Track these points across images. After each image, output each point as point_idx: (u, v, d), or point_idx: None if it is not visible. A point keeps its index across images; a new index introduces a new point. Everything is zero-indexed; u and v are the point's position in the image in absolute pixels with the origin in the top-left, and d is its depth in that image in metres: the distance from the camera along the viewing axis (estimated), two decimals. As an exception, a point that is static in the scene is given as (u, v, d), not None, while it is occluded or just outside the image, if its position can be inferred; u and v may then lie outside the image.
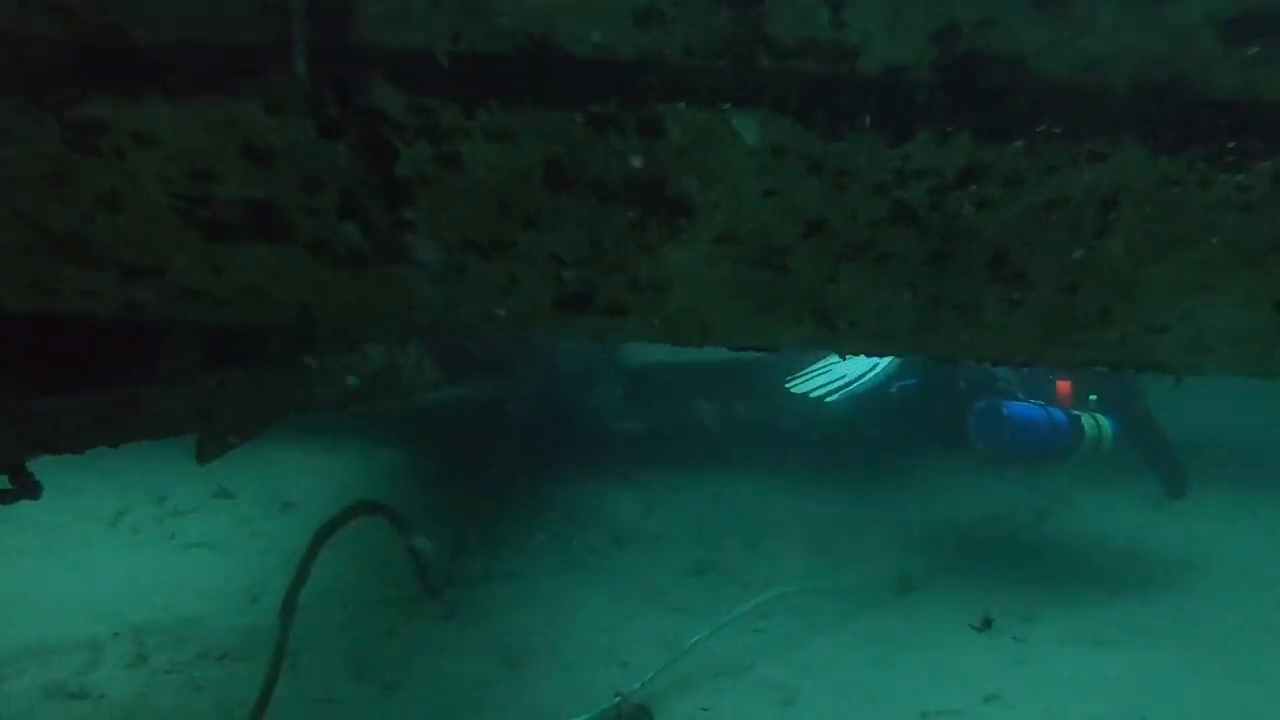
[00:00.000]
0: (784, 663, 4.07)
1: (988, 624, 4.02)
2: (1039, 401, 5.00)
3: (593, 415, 6.52)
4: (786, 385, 5.99)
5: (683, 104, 1.06)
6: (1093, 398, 5.18)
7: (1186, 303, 1.11)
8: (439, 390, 3.53)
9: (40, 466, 2.09)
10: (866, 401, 5.57)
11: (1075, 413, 4.91)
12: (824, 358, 5.67)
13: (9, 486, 1.97)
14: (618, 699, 3.45)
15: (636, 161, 1.08)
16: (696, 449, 6.91)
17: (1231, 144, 1.07)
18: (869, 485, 6.49)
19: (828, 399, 5.47)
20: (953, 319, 1.16)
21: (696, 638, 3.86)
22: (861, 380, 5.46)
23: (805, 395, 6.11)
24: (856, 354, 1.39)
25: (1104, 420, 4.91)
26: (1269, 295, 1.11)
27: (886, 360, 5.60)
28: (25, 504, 2.10)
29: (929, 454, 6.56)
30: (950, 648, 4.19)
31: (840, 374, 5.51)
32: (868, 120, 1.05)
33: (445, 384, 3.48)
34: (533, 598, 4.48)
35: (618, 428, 6.51)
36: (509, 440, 4.63)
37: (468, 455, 5.42)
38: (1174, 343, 1.19)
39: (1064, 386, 5.24)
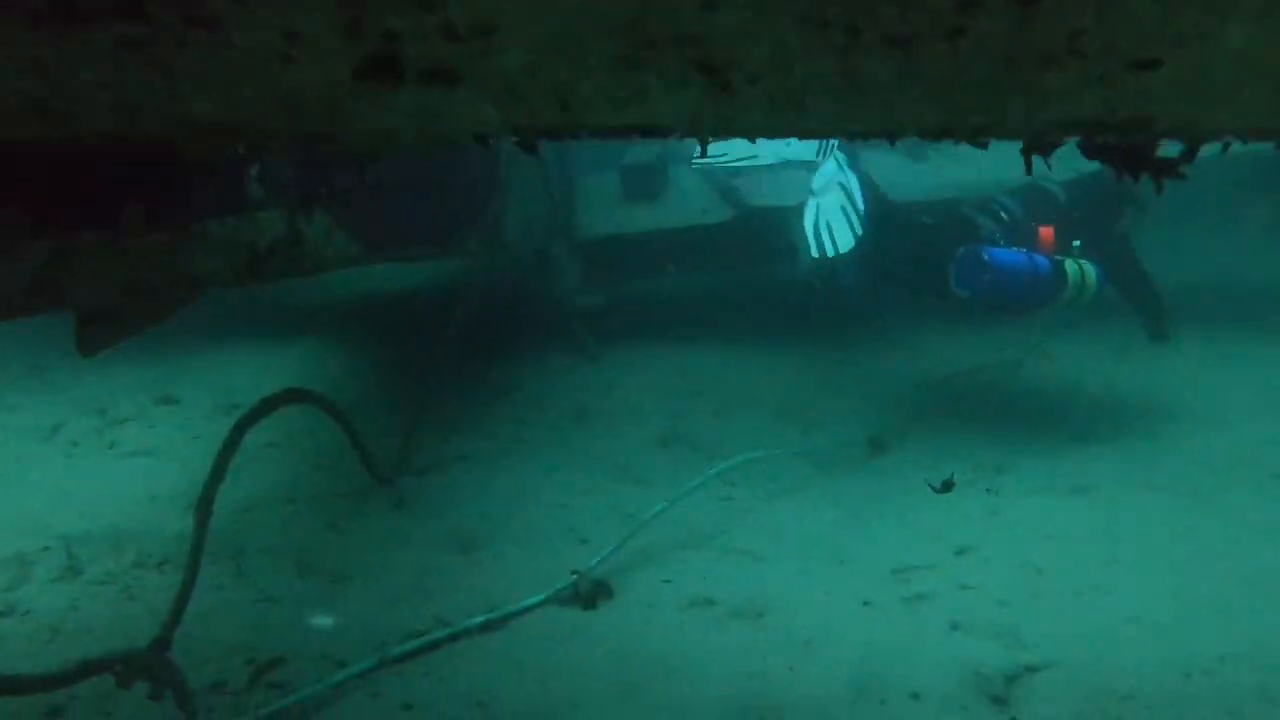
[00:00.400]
0: (751, 530, 3.91)
1: (949, 485, 3.85)
2: (1021, 248, 4.78)
3: (550, 291, 6.24)
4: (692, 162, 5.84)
5: None
6: (1076, 244, 4.94)
7: (1185, 18, 0.82)
8: (359, 264, 3.22)
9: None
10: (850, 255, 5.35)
11: (1058, 258, 4.69)
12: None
13: None
14: (575, 576, 3.27)
15: None
16: (661, 321, 6.67)
17: None
18: (842, 349, 6.29)
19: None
20: (882, 65, 0.87)
21: (657, 508, 3.68)
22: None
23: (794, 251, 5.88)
24: (765, 132, 1.11)
25: (1088, 266, 4.69)
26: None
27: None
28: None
29: (905, 311, 6.34)
30: (922, 505, 4.04)
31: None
32: None
33: (365, 257, 3.17)
34: (488, 481, 4.28)
35: (577, 303, 6.23)
36: (456, 322, 4.34)
37: (419, 342, 5.16)
38: (1168, 83, 0.91)
39: (1046, 233, 5.00)
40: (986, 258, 4.53)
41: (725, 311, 6.92)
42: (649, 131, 1.07)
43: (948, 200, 5.67)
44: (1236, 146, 1.25)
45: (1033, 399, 5.36)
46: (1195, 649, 2.94)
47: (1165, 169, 1.22)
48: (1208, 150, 1.21)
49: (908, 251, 5.07)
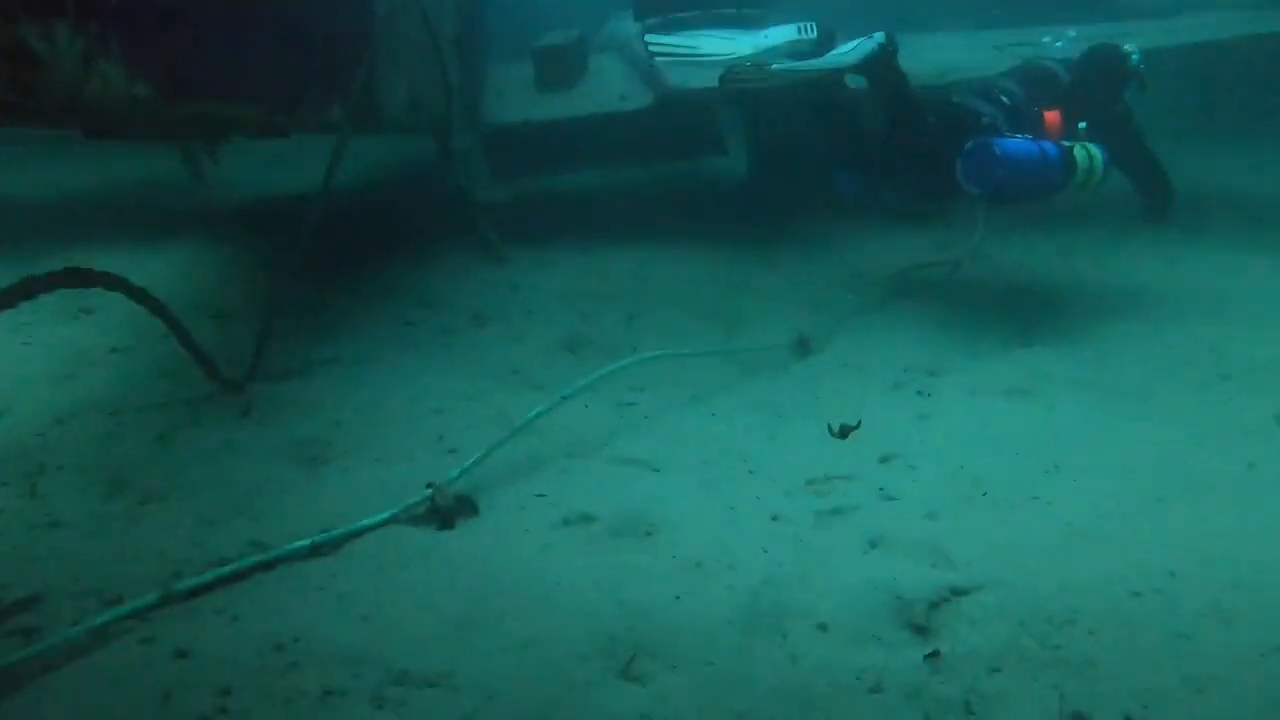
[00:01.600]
0: (650, 438, 3.37)
1: (848, 430, 3.33)
2: (1026, 135, 4.35)
3: (452, 182, 5.56)
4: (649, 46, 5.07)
5: None
6: (1082, 126, 4.56)
7: None
8: (149, 112, 2.53)
9: None
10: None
11: (1066, 143, 4.31)
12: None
13: None
14: (430, 489, 2.72)
15: None
16: (573, 219, 6.04)
17: None
18: (772, 246, 5.73)
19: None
20: None
21: (535, 410, 3.13)
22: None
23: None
24: None
25: (1095, 149, 4.33)
26: None
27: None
28: None
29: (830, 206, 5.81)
30: (848, 410, 3.54)
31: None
32: None
33: (157, 103, 2.49)
34: (355, 387, 3.67)
35: (481, 197, 5.57)
36: (309, 216, 3.67)
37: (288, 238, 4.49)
38: None
39: (1052, 117, 4.58)
40: (998, 151, 4.11)
41: (644, 209, 6.32)
42: None
43: (940, 87, 5.13)
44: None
45: (971, 300, 4.86)
46: (1142, 563, 2.49)
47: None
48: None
49: (912, 148, 4.57)
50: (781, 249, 5.71)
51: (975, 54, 5.89)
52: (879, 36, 4.58)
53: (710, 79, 5.24)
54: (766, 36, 4.94)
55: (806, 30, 4.76)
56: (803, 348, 4.31)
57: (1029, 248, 5.64)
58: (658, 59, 4.84)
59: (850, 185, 4.96)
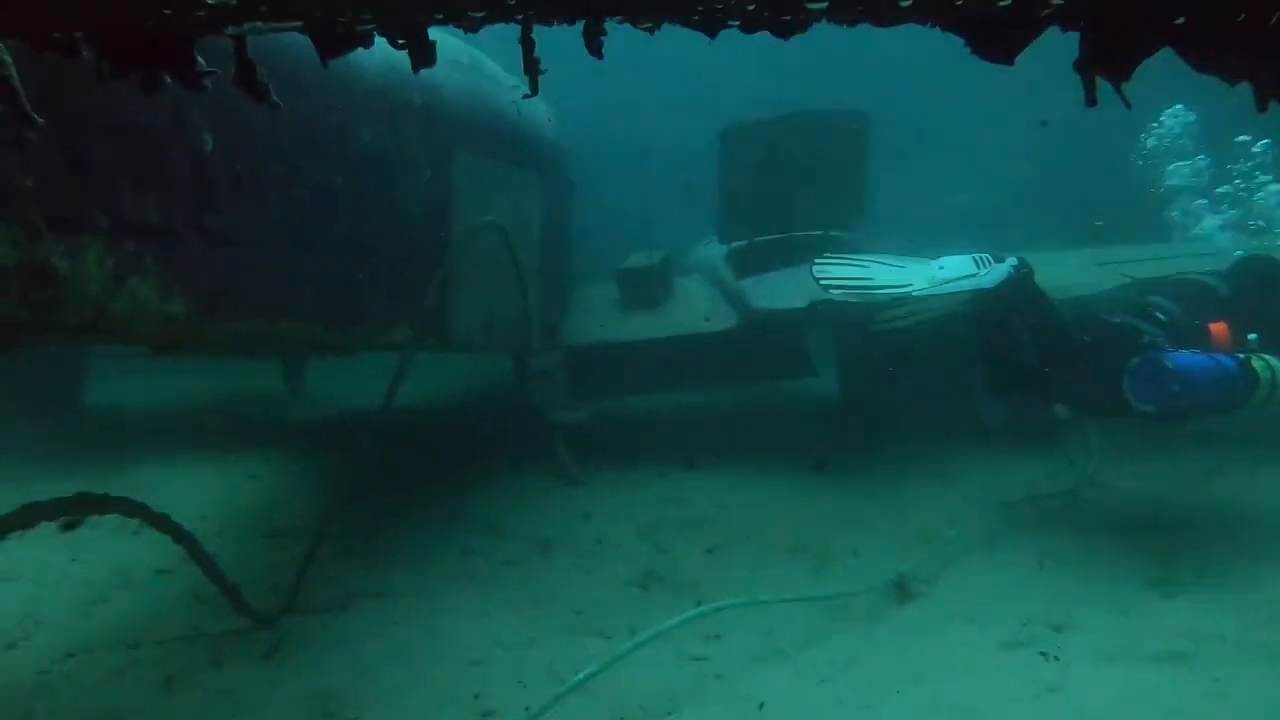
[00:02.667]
0: (720, 706, 2.84)
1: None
2: (1195, 350, 4.06)
3: (528, 402, 5.36)
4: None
5: None
6: (1253, 337, 4.23)
7: None
8: (189, 335, 2.35)
9: None
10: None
11: (1241, 355, 4.01)
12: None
13: None
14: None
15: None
16: (654, 441, 5.72)
17: None
18: (866, 472, 5.26)
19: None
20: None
21: (584, 674, 2.65)
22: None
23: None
24: None
25: (1275, 360, 3.99)
26: None
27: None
28: None
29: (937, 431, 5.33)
30: (959, 672, 2.95)
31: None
32: None
33: (196, 321, 2.32)
34: (396, 626, 3.27)
35: (557, 417, 5.33)
36: (367, 438, 3.46)
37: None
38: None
39: (1219, 329, 4.28)
40: (1170, 365, 3.82)
41: (729, 431, 5.97)
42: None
43: (1082, 305, 4.83)
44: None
45: (1098, 535, 4.24)
46: None
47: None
48: None
49: (1066, 369, 4.28)
50: (876, 475, 5.23)
51: (1084, 272, 5.56)
52: (1011, 260, 4.38)
53: (796, 299, 5.00)
54: (941, 268, 4.68)
55: (983, 263, 4.50)
56: (901, 591, 3.75)
57: (1159, 472, 5.01)
58: (832, 291, 4.58)
59: (997, 408, 4.56)
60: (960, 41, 1.14)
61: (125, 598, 3.46)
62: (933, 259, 4.66)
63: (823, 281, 4.59)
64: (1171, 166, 7.00)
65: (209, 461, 5.32)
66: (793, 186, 5.79)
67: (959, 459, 5.42)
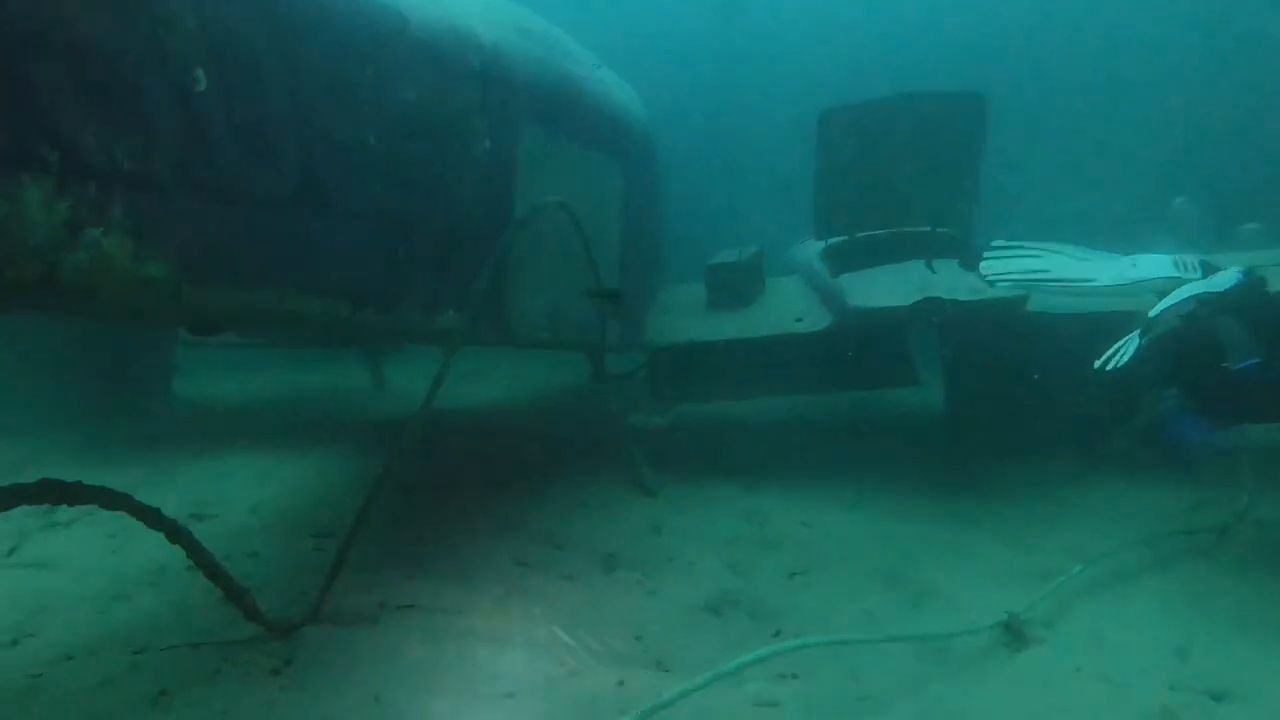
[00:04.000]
0: (793, 765, 2.33)
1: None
2: None
3: (603, 403, 4.93)
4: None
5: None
6: None
7: None
8: (170, 299, 2.01)
9: None
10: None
11: None
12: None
13: None
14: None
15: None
16: (736, 450, 5.22)
17: None
18: (974, 496, 4.63)
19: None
20: None
21: (640, 710, 2.18)
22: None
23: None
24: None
25: None
26: None
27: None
28: None
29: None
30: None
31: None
32: None
33: (181, 287, 1.96)
34: (423, 644, 2.86)
35: (634, 421, 4.89)
36: (405, 441, 3.08)
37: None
38: None
39: None
40: None
41: (820, 443, 5.40)
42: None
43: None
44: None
45: (1258, 581, 3.53)
46: None
47: None
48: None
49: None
50: (987, 500, 4.59)
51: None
52: (1238, 266, 3.77)
53: (899, 297, 4.42)
54: (1135, 266, 4.03)
55: (1187, 268, 3.85)
56: (1014, 635, 3.15)
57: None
58: (999, 284, 3.99)
59: (1198, 432, 3.83)
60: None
61: (148, 595, 3.17)
62: (1124, 255, 3.98)
63: (988, 274, 3.99)
64: None
65: (275, 457, 5.10)
66: (899, 176, 5.20)
67: (1077, 484, 4.74)
